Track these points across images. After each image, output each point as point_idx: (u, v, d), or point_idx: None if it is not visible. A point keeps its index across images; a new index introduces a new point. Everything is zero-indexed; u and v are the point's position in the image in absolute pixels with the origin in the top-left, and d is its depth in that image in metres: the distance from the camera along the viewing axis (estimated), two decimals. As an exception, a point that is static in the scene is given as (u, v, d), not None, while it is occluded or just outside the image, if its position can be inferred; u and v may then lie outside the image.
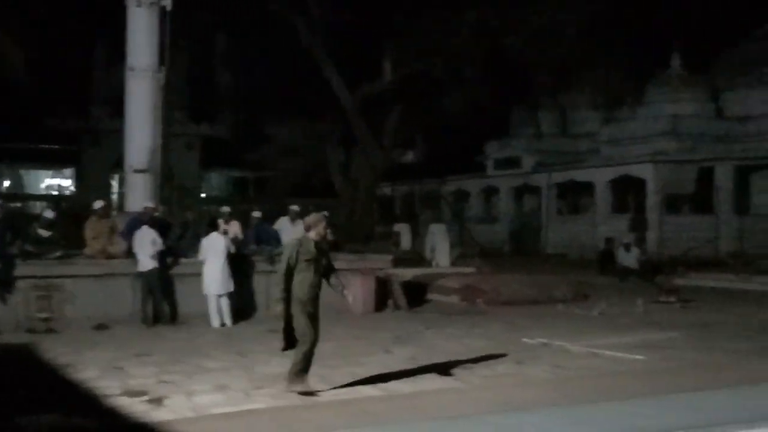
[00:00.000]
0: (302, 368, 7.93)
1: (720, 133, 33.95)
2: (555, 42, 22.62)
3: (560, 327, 13.18)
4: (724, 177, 32.31)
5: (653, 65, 36.65)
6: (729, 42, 37.25)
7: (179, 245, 14.19)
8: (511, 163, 40.58)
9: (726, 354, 10.71)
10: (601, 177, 35.12)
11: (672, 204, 32.89)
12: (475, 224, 39.85)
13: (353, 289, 15.31)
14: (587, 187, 36.23)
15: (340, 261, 16.69)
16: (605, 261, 25.20)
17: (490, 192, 42.89)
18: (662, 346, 11.37)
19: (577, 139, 41.07)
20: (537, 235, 37.93)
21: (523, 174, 39.79)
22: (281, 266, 8.14)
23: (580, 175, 36.68)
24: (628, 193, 34.92)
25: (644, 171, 32.92)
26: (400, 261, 20.01)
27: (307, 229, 8.38)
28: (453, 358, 9.95)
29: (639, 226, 31.29)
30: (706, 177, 32.52)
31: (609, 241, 26.14)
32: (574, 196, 38.87)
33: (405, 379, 8.73)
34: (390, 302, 15.81)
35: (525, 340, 11.68)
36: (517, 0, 22.64)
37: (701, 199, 32.97)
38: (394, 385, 8.46)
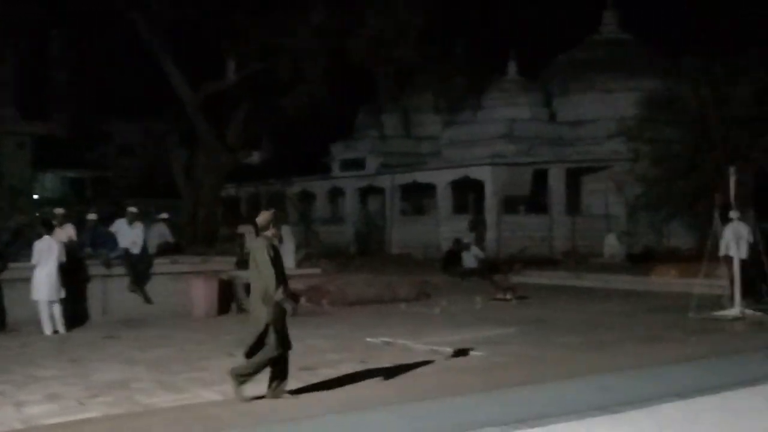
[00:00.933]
0: (253, 373, 7.77)
1: (554, 136, 35.44)
2: (397, 44, 22.96)
3: (403, 326, 13.44)
4: (557, 179, 33.81)
5: (492, 71, 37.77)
6: (561, 49, 38.97)
7: (9, 250, 13.52)
8: (356, 164, 40.95)
9: (557, 348, 11.22)
10: (442, 178, 35.91)
11: (509, 205, 34.03)
12: (321, 225, 39.94)
13: (196, 291, 15.13)
14: (430, 189, 36.97)
15: (183, 264, 16.45)
16: (449, 260, 25.80)
17: (336, 193, 43.08)
18: (498, 341, 11.78)
19: (420, 141, 41.81)
20: (382, 236, 38.40)
21: (367, 175, 40.19)
22: (268, 268, 7.72)
23: (422, 176, 37.38)
24: (468, 194, 35.85)
25: (483, 173, 33.88)
26: (244, 263, 19.81)
27: (264, 228, 8.16)
28: (296, 359, 9.94)
29: (478, 226, 32.17)
30: (541, 179, 33.88)
31: (457, 241, 26.81)
32: (418, 197, 39.59)
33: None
34: (234, 305, 15.66)
35: (369, 339, 11.82)
36: (359, 1, 22.84)
37: (537, 200, 34.34)
38: (235, 389, 8.37)
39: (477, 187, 34.48)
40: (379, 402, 7.70)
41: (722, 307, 14.50)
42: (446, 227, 33.33)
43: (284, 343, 7.82)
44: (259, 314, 7.79)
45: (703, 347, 11.01)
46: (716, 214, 15.13)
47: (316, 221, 40.84)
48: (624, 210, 31.41)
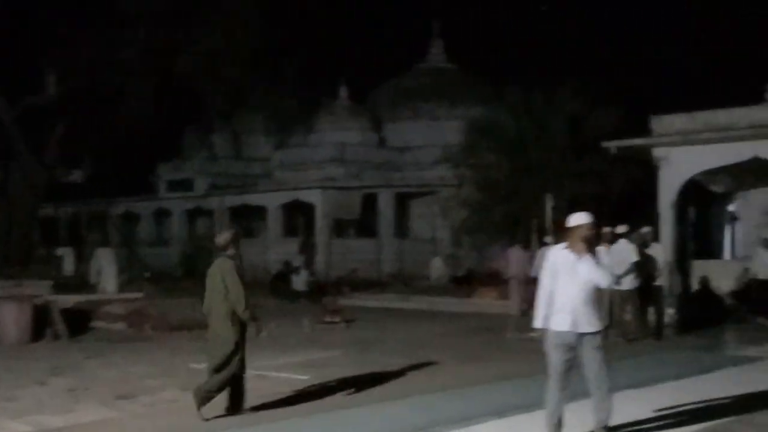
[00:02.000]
0: (217, 391, 8.00)
1: (383, 161, 36.03)
2: (226, 64, 22.76)
3: (228, 350, 13.22)
4: (386, 203, 34.38)
5: (323, 94, 38.08)
6: (391, 75, 39.72)
7: None
8: (184, 185, 40.09)
9: (381, 369, 11.35)
10: (272, 201, 35.79)
11: (339, 228, 34.34)
12: (146, 248, 38.80)
13: (7, 316, 14.31)
14: (260, 211, 36.73)
15: (-7, 288, 15.51)
16: (278, 283, 25.65)
17: (162, 214, 41.98)
18: (325, 364, 11.80)
19: (251, 163, 41.51)
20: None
21: (195, 197, 39.43)
22: (238, 288, 8.15)
23: (252, 198, 37.11)
24: (298, 217, 35.87)
25: (313, 196, 34.04)
26: (62, 286, 18.97)
27: (225, 248, 8.49)
28: (115, 387, 9.59)
29: (308, 249, 32.22)
30: (370, 203, 34.34)
31: (287, 264, 26.69)
32: (247, 220, 39.19)
33: (60, 413, 8.25)
34: (49, 331, 14.90)
35: (192, 365, 11.53)
36: (188, 20, 22.52)
37: (366, 224, 34.78)
38: (46, 419, 7.97)
39: (307, 210, 34.57)
40: (199, 429, 7.54)
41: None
42: (276, 250, 33.17)
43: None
44: (227, 334, 8.08)
45: (521, 366, 11.44)
46: (534, 237, 15.85)
47: (140, 243, 39.62)
48: (449, 234, 32.26)
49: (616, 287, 13.87)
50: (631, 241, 14.22)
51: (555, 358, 6.80)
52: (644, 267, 14.11)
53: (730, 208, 25.95)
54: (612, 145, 23.06)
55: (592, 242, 6.82)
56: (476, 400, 9.09)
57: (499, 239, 27.34)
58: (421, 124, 36.05)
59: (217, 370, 8.05)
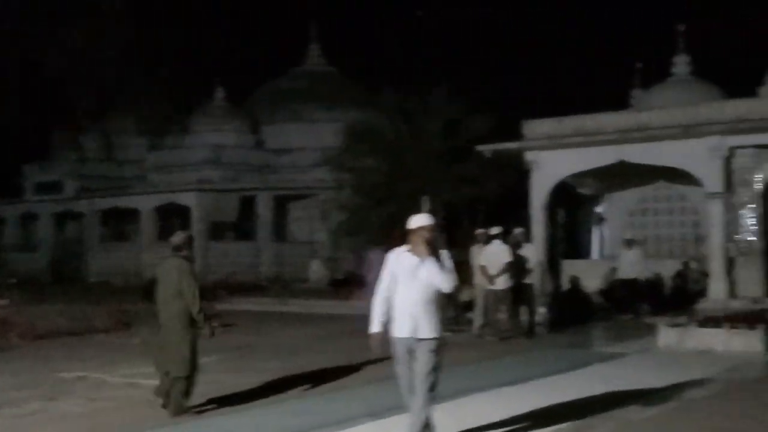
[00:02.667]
0: (187, 392, 8.34)
1: (261, 163, 35.80)
2: (95, 65, 22.17)
3: (100, 358, 12.85)
4: (264, 206, 34.17)
5: (200, 95, 37.53)
6: (269, 78, 39.52)
7: None
8: (53, 187, 38.65)
9: (257, 374, 11.25)
10: (146, 204, 35.02)
11: (217, 231, 33.88)
12: (12, 253, 37.24)
13: None
14: (133, 214, 35.83)
15: None
16: (152, 287, 25.04)
17: (29, 218, 40.36)
18: (202, 369, 11.59)
19: (123, 165, 40.41)
20: (79, 263, 36.53)
21: (65, 200, 38.10)
22: (194, 291, 8.34)
23: (125, 201, 36.22)
24: (173, 219, 35.17)
25: (189, 199, 33.51)
26: None
27: (180, 248, 8.64)
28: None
29: (182, 252, 31.58)
30: (248, 205, 34.05)
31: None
32: (120, 223, 38.17)
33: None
34: None
35: (61, 374, 11.16)
36: (54, 18, 21.85)
37: (244, 227, 34.45)
38: None
39: (183, 212, 33.96)
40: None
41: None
42: (150, 254, 32.42)
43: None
44: (181, 335, 8.36)
45: (391, 368, 11.47)
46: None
47: (5, 248, 38.00)
48: (328, 236, 32.33)
49: (491, 287, 14.25)
50: (505, 242, 14.57)
51: (399, 365, 6.71)
52: (517, 267, 14.50)
53: (598, 209, 27.05)
54: (485, 149, 23.65)
55: (433, 245, 6.65)
56: (351, 402, 9.13)
57: (378, 242, 27.61)
58: (300, 126, 36.01)
59: (179, 372, 8.27)
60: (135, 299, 23.84)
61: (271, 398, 9.38)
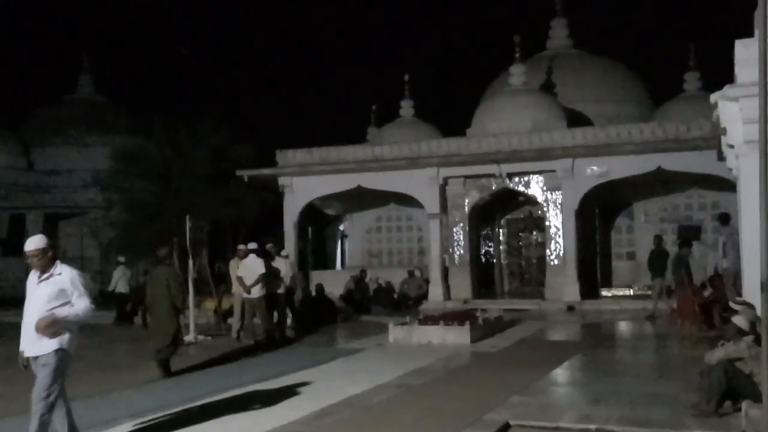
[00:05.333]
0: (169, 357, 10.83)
1: (31, 183, 33.21)
2: None
3: None
4: (34, 223, 31.86)
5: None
6: (41, 105, 36.94)
7: None
8: None
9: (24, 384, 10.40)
10: None
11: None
12: None
13: None
14: None
15: None
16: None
17: None
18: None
19: None
20: None
21: None
22: (179, 288, 10.97)
23: None
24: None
25: (-43, 216, 30.47)
26: None
27: (164, 259, 11.35)
28: None
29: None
30: (19, 223, 31.63)
31: None
32: None
33: None
34: None
35: None
36: None
37: (14, 243, 31.87)
38: None
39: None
40: None
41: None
42: None
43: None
44: (170, 321, 10.70)
45: (154, 372, 11.03)
46: (175, 256, 15.58)
47: None
48: (98, 252, 30.68)
49: (246, 295, 14.14)
50: (259, 255, 14.53)
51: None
52: (270, 277, 14.53)
53: (341, 227, 27.77)
54: (244, 173, 23.60)
55: (45, 265, 6.11)
56: (114, 405, 8.73)
57: (147, 257, 26.57)
58: (71, 150, 33.85)
59: (166, 344, 10.62)
60: None
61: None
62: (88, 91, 36.97)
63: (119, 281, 19.87)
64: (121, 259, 20.58)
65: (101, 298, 20.44)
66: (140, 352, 13.30)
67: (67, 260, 22.17)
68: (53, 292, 6.04)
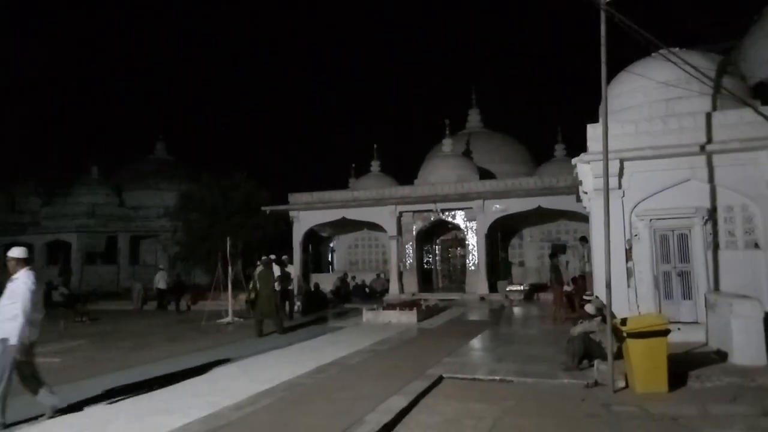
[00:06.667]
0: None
1: (122, 215, 32.56)
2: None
3: None
4: (123, 241, 31.15)
5: (79, 170, 33.73)
6: (130, 161, 36.42)
7: None
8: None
9: (117, 351, 10.12)
10: (40, 241, 30.47)
11: (90, 257, 30.24)
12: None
13: None
14: (30, 248, 30.79)
15: None
16: (46, 296, 21.54)
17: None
18: (73, 350, 10.21)
19: (22, 214, 34.71)
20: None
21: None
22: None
23: (23, 239, 31.07)
24: (60, 251, 30.90)
25: (71, 238, 29.72)
26: None
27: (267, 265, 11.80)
28: None
29: (65, 272, 27.90)
30: (113, 241, 30.89)
31: (49, 283, 22.41)
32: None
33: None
34: None
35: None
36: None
37: (110, 254, 31.08)
38: None
39: (67, 247, 30.04)
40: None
41: (222, 317, 14.63)
42: (42, 274, 27.96)
43: None
44: (270, 304, 11.51)
45: (207, 342, 10.86)
46: (220, 264, 15.33)
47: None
48: (167, 261, 30.08)
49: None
50: (276, 264, 14.34)
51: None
52: (284, 279, 14.35)
53: (332, 244, 27.57)
54: (267, 208, 23.37)
55: (15, 269, 5.50)
56: (180, 366, 8.52)
57: (201, 264, 26.15)
58: (150, 192, 33.33)
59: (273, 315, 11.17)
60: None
61: (122, 366, 8.45)
62: (161, 152, 36.59)
63: (160, 281, 19.47)
64: (161, 266, 20.10)
65: (156, 291, 19.87)
66: (196, 329, 13.02)
67: (144, 267, 21.63)
68: (10, 291, 5.50)
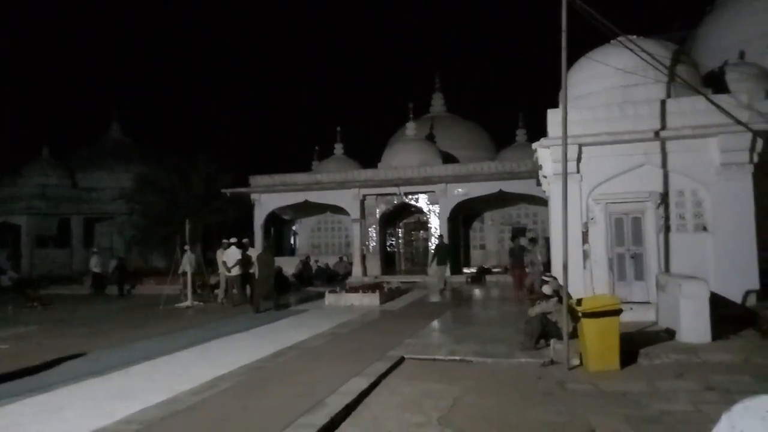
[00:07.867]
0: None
1: (75, 197, 31.34)
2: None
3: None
4: (77, 225, 30.05)
5: (30, 152, 32.19)
6: (83, 142, 35.06)
7: None
8: None
9: (71, 338, 9.78)
10: (-15, 223, 29.05)
11: (41, 241, 29.07)
12: None
13: None
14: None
15: None
16: None
17: None
18: (23, 336, 9.83)
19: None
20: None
21: None
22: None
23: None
24: (9, 234, 29.55)
25: (20, 220, 28.46)
26: None
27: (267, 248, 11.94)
28: None
29: (14, 256, 26.80)
30: (66, 224, 29.74)
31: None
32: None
33: None
34: None
35: None
36: None
37: (62, 238, 29.94)
38: None
39: (16, 229, 28.75)
40: None
41: (180, 301, 14.36)
42: (-12, 258, 26.82)
43: None
44: (266, 283, 11.82)
45: (166, 327, 10.68)
46: (178, 248, 14.99)
47: None
48: (123, 245, 29.23)
49: (228, 273, 13.74)
50: (237, 247, 14.13)
51: None
52: (245, 262, 14.15)
53: (294, 228, 27.32)
54: (227, 191, 22.94)
55: None
56: (134, 351, 8.31)
57: (159, 248, 25.51)
58: (105, 173, 32.15)
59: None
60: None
61: (78, 351, 8.19)
62: (116, 133, 35.36)
63: (96, 264, 18.83)
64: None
65: (92, 275, 19.20)
66: (154, 313, 12.71)
67: (99, 250, 20.89)
68: None
